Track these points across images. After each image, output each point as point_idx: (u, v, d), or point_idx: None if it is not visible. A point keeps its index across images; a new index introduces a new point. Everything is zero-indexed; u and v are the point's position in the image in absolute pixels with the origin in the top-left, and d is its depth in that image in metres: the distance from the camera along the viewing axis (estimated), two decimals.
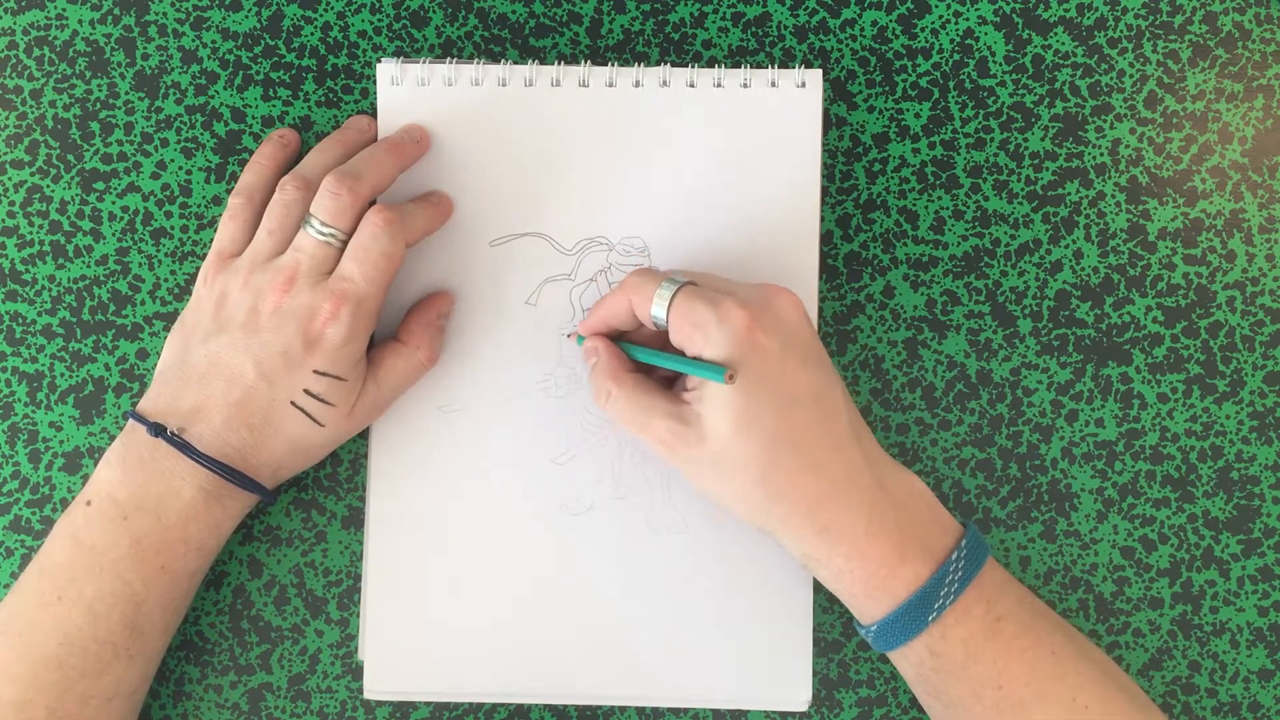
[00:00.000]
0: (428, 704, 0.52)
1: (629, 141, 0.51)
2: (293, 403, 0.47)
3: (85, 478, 0.52)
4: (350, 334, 0.46)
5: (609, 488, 0.51)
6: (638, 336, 0.49)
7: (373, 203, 0.49)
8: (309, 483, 0.52)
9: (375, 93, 0.52)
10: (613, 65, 0.52)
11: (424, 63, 0.51)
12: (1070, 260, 0.53)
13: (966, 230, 0.53)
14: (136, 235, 0.53)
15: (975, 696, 0.45)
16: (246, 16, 0.53)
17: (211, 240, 0.51)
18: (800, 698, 0.51)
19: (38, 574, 0.47)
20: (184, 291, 0.53)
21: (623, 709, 0.52)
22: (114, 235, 0.53)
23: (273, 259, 0.48)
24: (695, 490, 0.48)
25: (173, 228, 0.53)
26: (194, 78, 0.53)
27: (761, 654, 0.50)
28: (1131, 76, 0.53)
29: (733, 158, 0.51)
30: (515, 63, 0.51)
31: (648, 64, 0.53)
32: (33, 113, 0.53)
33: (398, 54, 0.53)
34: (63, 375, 0.53)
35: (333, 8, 0.53)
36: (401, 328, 0.50)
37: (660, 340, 0.48)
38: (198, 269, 0.52)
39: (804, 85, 0.51)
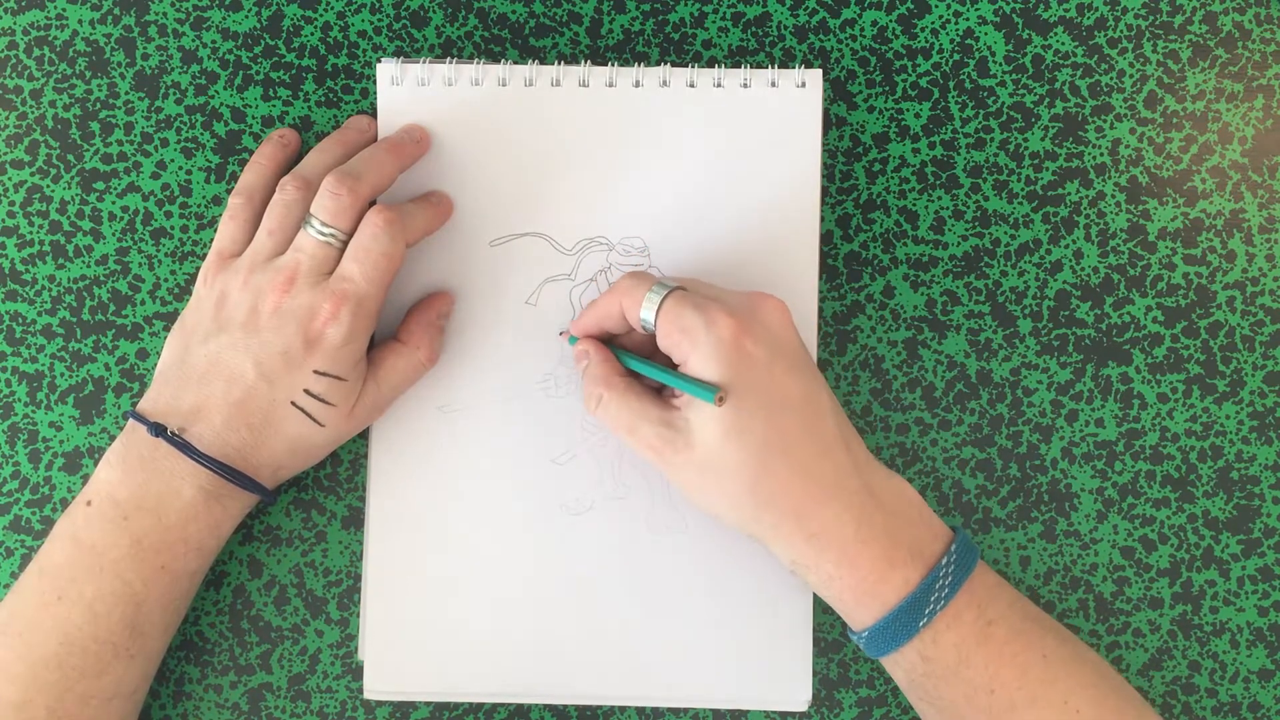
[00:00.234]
0: (428, 704, 0.52)
1: (629, 141, 0.51)
2: (293, 403, 0.47)
3: (85, 478, 0.52)
4: (350, 334, 0.46)
5: (609, 488, 0.51)
6: (629, 341, 0.49)
7: (373, 203, 0.49)
8: (309, 483, 0.52)
9: (375, 93, 0.52)
10: (613, 65, 0.52)
11: (424, 63, 0.51)
12: (1070, 260, 0.53)
13: (966, 230, 0.53)
14: (136, 235, 0.53)
15: (967, 701, 0.45)
16: (246, 16, 0.53)
17: (211, 240, 0.51)
18: (800, 698, 0.51)
19: (38, 574, 0.47)
20: (184, 291, 0.53)
21: (623, 709, 0.52)
22: (114, 235, 0.53)
23: (273, 259, 0.48)
24: (684, 498, 0.48)
25: (173, 228, 0.53)
26: (194, 78, 0.53)
27: (761, 654, 0.50)
28: (1131, 76, 0.53)
29: (733, 158, 0.51)
30: (515, 63, 0.51)
31: (648, 64, 0.53)
32: (33, 113, 0.53)
33: (398, 54, 0.53)
34: (63, 375, 0.53)
35: (333, 8, 0.53)
36: (401, 328, 0.50)
37: (651, 344, 0.48)
38: (198, 269, 0.52)
39: (804, 85, 0.51)
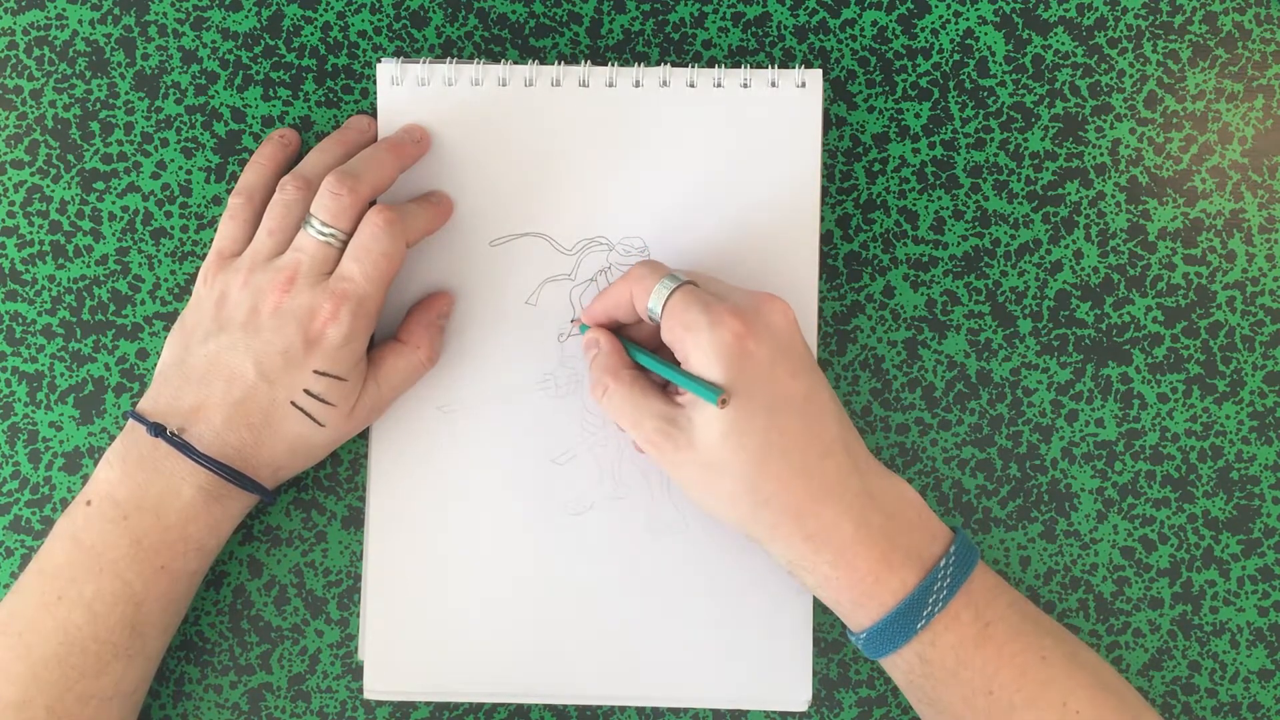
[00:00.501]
0: (428, 704, 0.52)
1: (629, 141, 0.51)
2: (293, 403, 0.47)
3: (85, 478, 0.52)
4: (350, 334, 0.46)
5: (609, 488, 0.51)
6: (638, 333, 0.49)
7: (373, 203, 0.49)
8: (309, 483, 0.52)
9: (375, 93, 0.52)
10: (613, 65, 0.52)
11: (424, 63, 0.51)
12: (1070, 260, 0.53)
13: (966, 230, 0.53)
14: (136, 235, 0.53)
15: (966, 703, 0.45)
16: (246, 16, 0.53)
17: (211, 240, 0.51)
18: (800, 698, 0.51)
19: (38, 574, 0.47)
20: (184, 291, 0.53)
21: (623, 709, 0.52)
22: (114, 235, 0.53)
23: (273, 259, 0.48)
24: (684, 494, 0.48)
25: (173, 228, 0.53)
26: (194, 78, 0.53)
27: (761, 654, 0.50)
28: (1131, 76, 0.53)
29: (733, 158, 0.51)
30: (515, 63, 0.51)
31: (648, 64, 0.53)
32: (33, 113, 0.53)
33: (398, 54, 0.53)
34: (63, 375, 0.53)
35: (333, 8, 0.53)
36: (402, 328, 0.50)
37: (658, 339, 0.48)
38: (198, 269, 0.52)
39: (804, 85, 0.51)
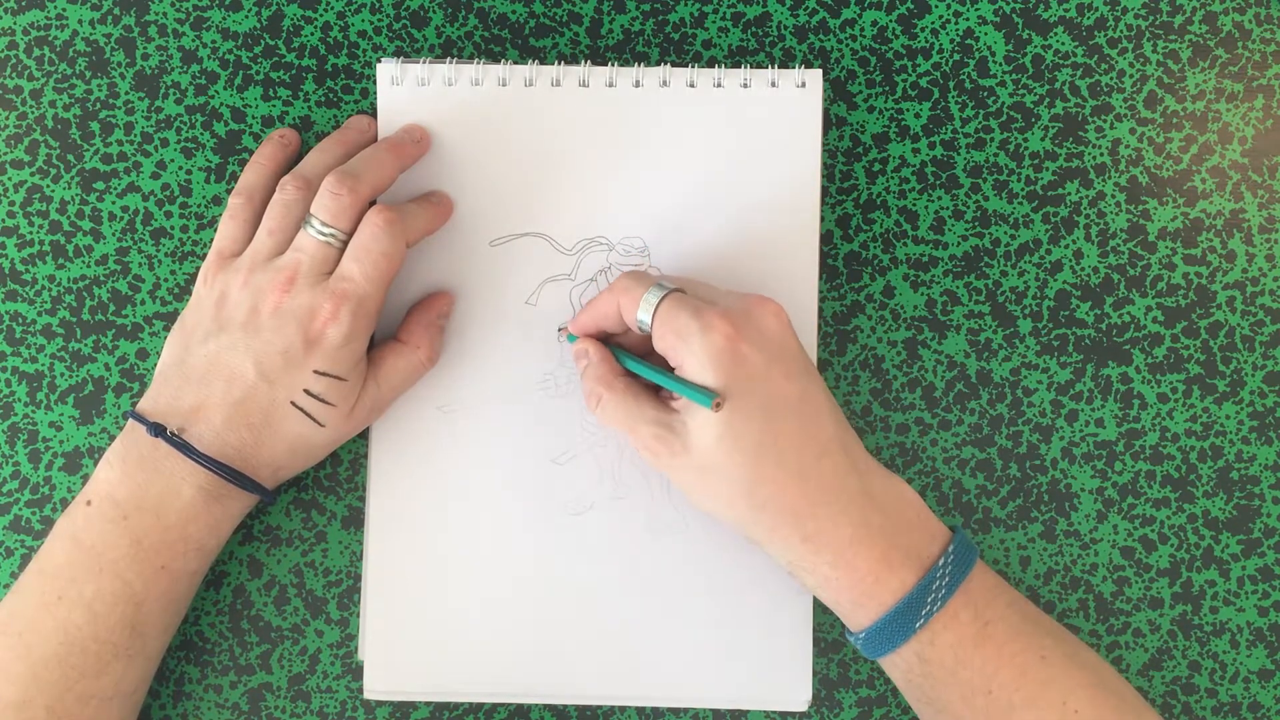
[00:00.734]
0: (428, 704, 0.52)
1: (629, 141, 0.51)
2: (293, 403, 0.47)
3: (85, 478, 0.52)
4: (350, 334, 0.46)
5: (609, 488, 0.51)
6: (627, 340, 0.49)
7: (373, 203, 0.49)
8: (309, 483, 0.52)
9: (375, 93, 0.52)
10: (613, 65, 0.52)
11: (424, 63, 0.51)
12: (1070, 260, 0.53)
13: (966, 230, 0.53)
14: (136, 235, 0.53)
15: (965, 702, 0.45)
16: (246, 16, 0.53)
17: (211, 240, 0.51)
18: (800, 698, 0.51)
19: (38, 574, 0.47)
20: (184, 291, 0.53)
21: (623, 709, 0.52)
22: (114, 235, 0.53)
23: (273, 259, 0.48)
24: (685, 497, 0.48)
25: (173, 228, 0.53)
26: (194, 78, 0.53)
27: (761, 654, 0.50)
28: (1131, 76, 0.53)
29: (733, 158, 0.51)
30: (515, 63, 0.51)
31: (648, 64, 0.53)
32: (33, 113, 0.53)
33: (398, 54, 0.53)
34: (63, 375, 0.53)
35: (333, 8, 0.53)
36: (402, 328, 0.50)
37: (648, 344, 0.48)
38: (198, 269, 0.52)
39: (804, 85, 0.51)
